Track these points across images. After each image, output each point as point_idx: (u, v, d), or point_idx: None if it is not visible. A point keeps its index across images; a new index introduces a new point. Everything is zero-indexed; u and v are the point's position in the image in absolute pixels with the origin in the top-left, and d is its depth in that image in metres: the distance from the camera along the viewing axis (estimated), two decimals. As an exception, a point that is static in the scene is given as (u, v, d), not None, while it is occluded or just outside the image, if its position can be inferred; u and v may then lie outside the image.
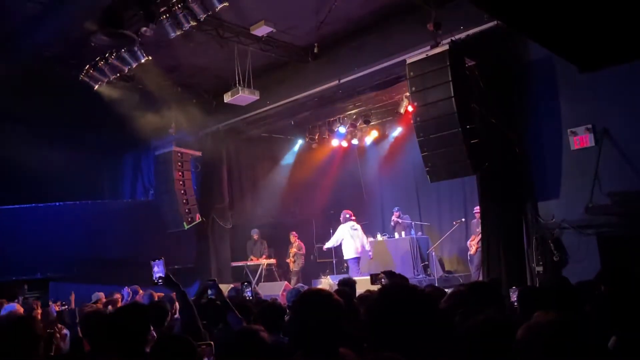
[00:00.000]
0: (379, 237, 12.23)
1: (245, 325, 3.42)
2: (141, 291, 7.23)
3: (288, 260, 12.60)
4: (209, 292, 4.01)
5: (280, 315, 3.96)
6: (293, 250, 12.44)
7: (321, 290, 2.41)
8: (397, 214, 12.19)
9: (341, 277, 9.99)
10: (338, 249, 13.65)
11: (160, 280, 3.68)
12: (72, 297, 7.27)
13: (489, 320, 2.16)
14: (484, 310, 2.69)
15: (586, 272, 5.66)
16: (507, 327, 2.06)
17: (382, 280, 5.00)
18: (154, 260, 3.73)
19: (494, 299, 3.70)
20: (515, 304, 4.23)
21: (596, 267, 6.75)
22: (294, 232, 12.64)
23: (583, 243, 7.31)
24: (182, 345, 2.50)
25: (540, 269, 7.56)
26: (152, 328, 2.94)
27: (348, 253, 11.41)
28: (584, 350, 1.54)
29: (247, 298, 4.98)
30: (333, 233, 13.26)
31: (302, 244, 12.58)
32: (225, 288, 9.15)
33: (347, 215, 11.71)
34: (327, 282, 10.69)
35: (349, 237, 11.41)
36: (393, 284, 2.76)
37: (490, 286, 4.06)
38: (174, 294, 4.58)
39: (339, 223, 14.05)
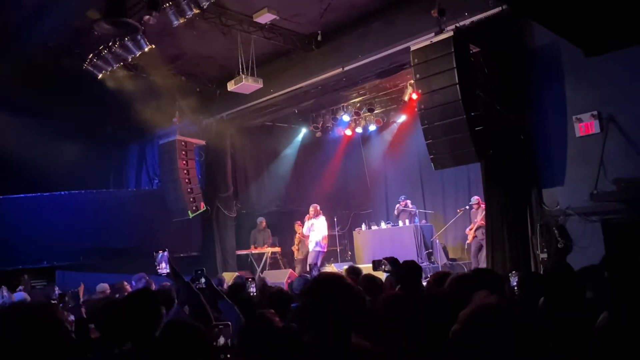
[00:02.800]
0: (383, 225, 12.24)
1: (260, 311, 3.44)
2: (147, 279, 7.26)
3: (293, 248, 12.63)
4: (199, 281, 4.02)
5: (286, 302, 3.98)
6: (297, 237, 12.47)
7: (337, 275, 2.37)
8: (404, 202, 12.16)
9: (345, 264, 10.04)
10: (342, 237, 13.72)
11: (164, 272, 3.71)
12: (82, 289, 7.25)
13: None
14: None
15: (591, 258, 5.64)
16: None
17: (385, 266, 4.99)
18: (158, 252, 3.75)
19: (496, 285, 3.71)
20: (515, 289, 4.24)
21: (601, 254, 6.71)
22: (299, 222, 12.69)
23: (588, 230, 7.29)
24: (189, 331, 2.51)
25: (544, 256, 7.55)
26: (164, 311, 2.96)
27: None
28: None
29: (252, 294, 5.00)
30: (337, 222, 13.30)
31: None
32: (230, 276, 9.23)
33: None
34: (332, 270, 10.73)
35: None
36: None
37: (493, 272, 4.06)
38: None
39: (343, 212, 14.09)
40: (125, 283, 7.02)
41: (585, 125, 7.37)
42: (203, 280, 3.99)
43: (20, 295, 6.93)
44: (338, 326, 2.07)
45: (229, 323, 2.68)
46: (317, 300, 2.13)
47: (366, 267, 6.97)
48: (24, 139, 10.86)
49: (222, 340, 2.59)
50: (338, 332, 2.07)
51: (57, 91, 10.38)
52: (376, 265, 5.29)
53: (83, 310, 4.22)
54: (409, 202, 12.22)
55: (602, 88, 7.27)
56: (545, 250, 7.54)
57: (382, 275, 5.22)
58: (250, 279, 5.43)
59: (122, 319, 2.89)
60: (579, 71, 7.39)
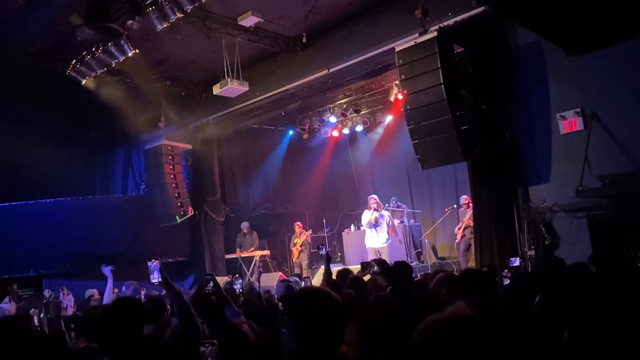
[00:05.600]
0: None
1: (230, 322, 3.42)
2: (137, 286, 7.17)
3: (293, 249, 12.51)
4: (208, 286, 4.00)
5: (273, 313, 3.96)
6: (299, 240, 12.33)
7: (319, 290, 2.33)
8: (395, 205, 12.17)
9: (336, 266, 10.00)
10: (332, 238, 13.66)
11: (157, 282, 3.69)
12: (66, 292, 7.07)
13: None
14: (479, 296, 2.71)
15: (577, 254, 5.73)
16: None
17: (374, 268, 4.98)
18: (150, 261, 3.73)
19: (488, 285, 3.73)
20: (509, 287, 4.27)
21: (587, 249, 6.84)
22: (299, 223, 12.60)
23: (574, 226, 7.36)
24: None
25: (532, 253, 7.62)
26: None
27: None
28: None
29: (237, 292, 4.95)
30: (326, 223, 13.25)
31: (309, 236, 12.50)
32: (219, 280, 9.16)
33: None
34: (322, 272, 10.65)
35: None
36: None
37: (484, 273, 4.08)
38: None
39: (332, 213, 14.03)
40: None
41: (569, 123, 7.44)
42: (211, 284, 3.95)
43: (5, 305, 6.82)
44: (325, 338, 2.06)
45: (215, 342, 2.63)
46: (302, 319, 2.12)
47: (355, 268, 6.98)
48: (7, 146, 10.71)
49: None
50: (325, 344, 2.06)
51: (40, 97, 10.27)
52: (365, 267, 5.29)
53: (62, 322, 4.15)
54: (397, 204, 12.18)
55: (585, 86, 7.35)
56: (532, 247, 7.61)
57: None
58: (236, 275, 5.37)
59: (104, 327, 2.87)
60: (562, 69, 7.47)
